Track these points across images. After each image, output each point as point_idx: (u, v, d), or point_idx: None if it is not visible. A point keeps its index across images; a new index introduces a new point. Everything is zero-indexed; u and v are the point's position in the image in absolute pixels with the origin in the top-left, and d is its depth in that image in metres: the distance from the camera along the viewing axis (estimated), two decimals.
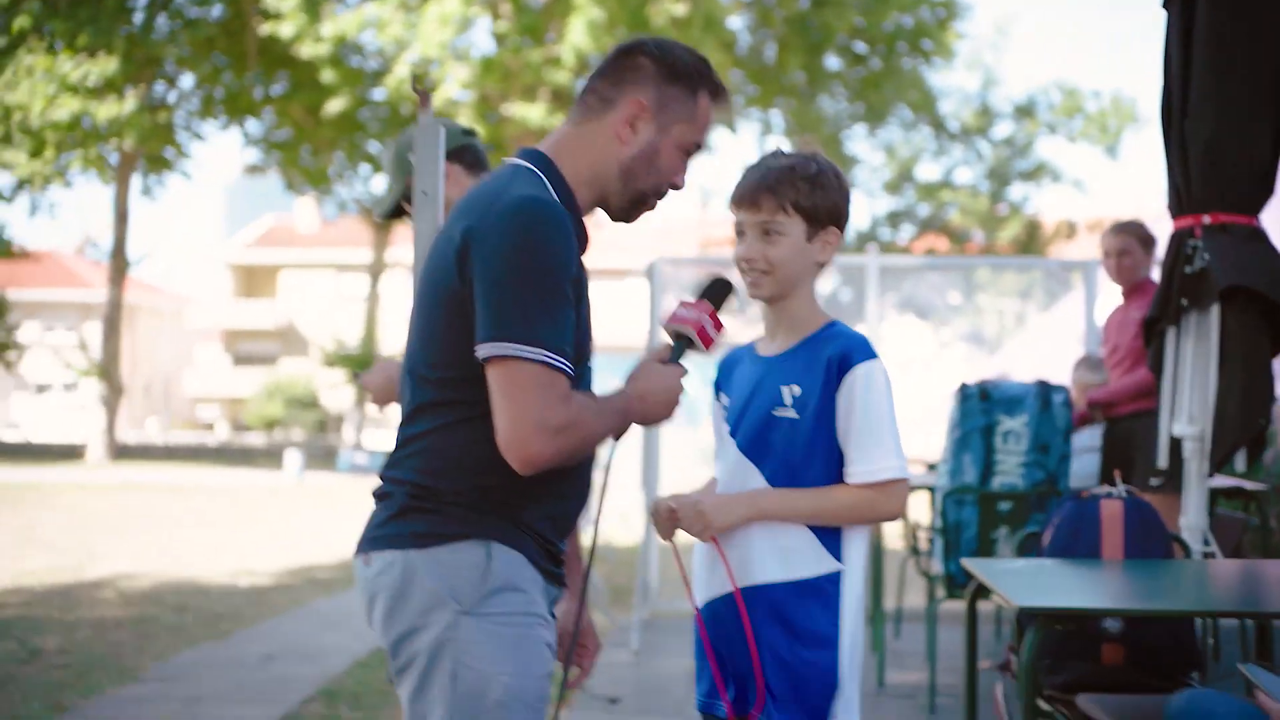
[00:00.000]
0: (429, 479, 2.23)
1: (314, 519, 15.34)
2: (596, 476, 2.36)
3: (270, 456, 32.10)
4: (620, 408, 2.26)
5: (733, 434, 2.57)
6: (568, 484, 2.30)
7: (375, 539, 2.26)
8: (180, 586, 9.27)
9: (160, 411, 47.03)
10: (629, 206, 2.36)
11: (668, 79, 2.33)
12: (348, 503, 17.86)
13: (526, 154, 2.34)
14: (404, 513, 2.24)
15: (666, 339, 2.40)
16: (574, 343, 2.22)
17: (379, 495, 2.30)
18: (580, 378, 2.27)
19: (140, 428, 44.64)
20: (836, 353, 2.48)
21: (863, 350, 2.48)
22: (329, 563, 10.92)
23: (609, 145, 2.32)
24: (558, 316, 2.15)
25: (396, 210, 3.35)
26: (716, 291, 2.42)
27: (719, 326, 2.38)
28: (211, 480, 22.71)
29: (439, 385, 2.24)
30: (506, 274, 2.14)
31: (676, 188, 2.37)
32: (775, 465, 2.50)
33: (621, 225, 2.42)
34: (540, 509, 2.26)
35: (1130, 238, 5.97)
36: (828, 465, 2.49)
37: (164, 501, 17.42)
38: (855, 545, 2.52)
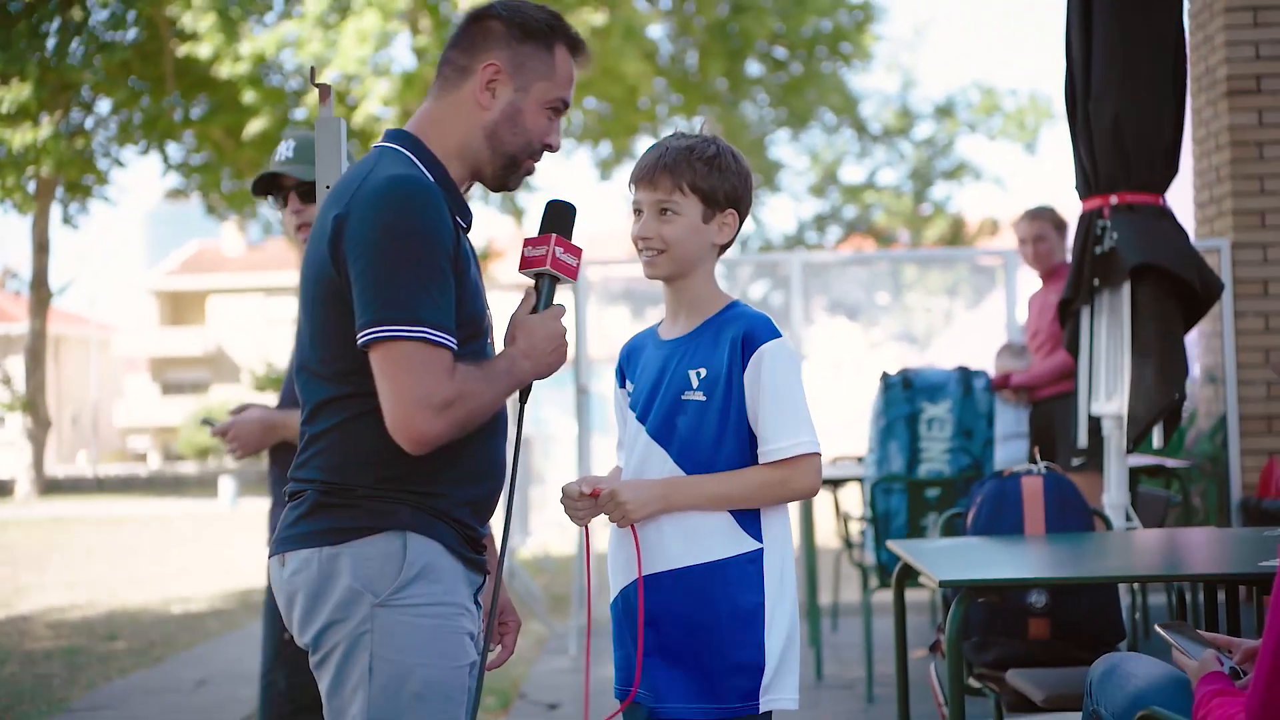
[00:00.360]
0: (337, 475, 2.21)
1: (248, 544, 15.15)
2: (508, 454, 2.33)
3: (204, 485, 31.68)
4: (506, 369, 2.23)
5: (640, 419, 2.56)
6: (479, 465, 2.27)
7: (288, 539, 2.24)
8: (111, 616, 9.12)
9: (89, 444, 46.28)
10: (503, 172, 2.33)
11: (520, 38, 2.30)
12: None
13: (392, 135, 2.32)
14: (315, 510, 2.22)
15: (530, 284, 2.34)
16: (465, 317, 2.20)
17: (290, 495, 2.27)
18: (479, 352, 2.25)
19: (70, 461, 43.91)
20: (740, 332, 2.49)
21: (766, 329, 2.49)
22: (263, 586, 10.77)
23: (471, 113, 2.30)
24: (435, 293, 2.13)
25: (261, 185, 3.44)
26: (558, 218, 2.35)
27: (573, 251, 2.33)
28: (143, 511, 22.36)
29: (333, 380, 2.22)
30: (378, 256, 2.12)
31: (551, 148, 2.35)
32: (685, 449, 2.50)
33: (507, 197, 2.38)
34: (455, 494, 2.24)
35: (1044, 223, 6.05)
36: (739, 445, 2.49)
37: (94, 534, 17.13)
38: (776, 523, 2.52)
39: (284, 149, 3.50)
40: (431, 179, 2.23)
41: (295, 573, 2.22)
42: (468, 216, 2.31)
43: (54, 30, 22.78)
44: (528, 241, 2.34)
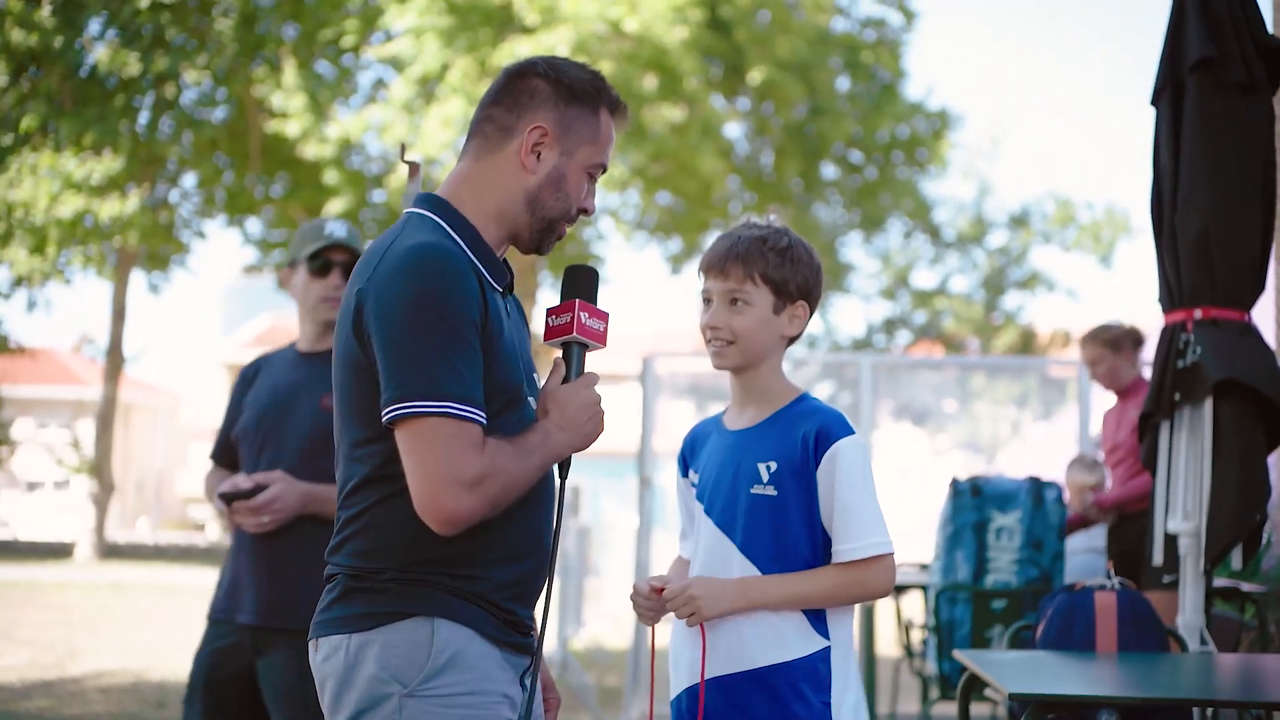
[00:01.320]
0: (368, 559, 2.15)
1: None
2: (546, 534, 2.24)
3: None
4: (540, 442, 2.15)
5: (707, 511, 2.52)
6: (517, 544, 2.19)
7: (321, 624, 2.18)
8: (162, 685, 9.10)
9: (151, 510, 46.71)
10: (539, 235, 2.27)
11: (567, 100, 2.24)
12: None
13: (422, 199, 2.27)
14: (346, 595, 2.16)
15: (559, 356, 2.28)
16: (496, 384, 2.13)
17: (326, 579, 2.22)
18: (515, 422, 2.17)
19: (131, 527, 44.29)
20: (814, 429, 2.45)
21: (841, 426, 2.45)
22: None
23: (514, 175, 2.23)
24: (459, 365, 2.06)
25: (315, 256, 3.53)
26: (579, 283, 2.27)
27: (599, 315, 2.25)
28: (199, 580, 22.43)
29: (365, 460, 2.16)
30: (400, 330, 2.06)
31: (586, 212, 2.29)
32: (752, 541, 2.45)
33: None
34: (492, 576, 2.16)
35: (1097, 346, 6.01)
36: (809, 541, 2.44)
37: (150, 601, 17.20)
38: (842, 620, 2.47)
39: (337, 227, 3.56)
40: (460, 244, 2.17)
41: (325, 659, 2.16)
42: (504, 278, 2.24)
43: (147, 106, 23.41)
44: (551, 311, 2.26)
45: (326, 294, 3.52)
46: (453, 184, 2.26)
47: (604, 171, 2.31)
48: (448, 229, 2.19)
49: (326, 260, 3.54)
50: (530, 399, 2.24)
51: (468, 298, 2.09)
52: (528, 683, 2.25)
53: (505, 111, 2.24)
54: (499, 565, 2.17)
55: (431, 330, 2.05)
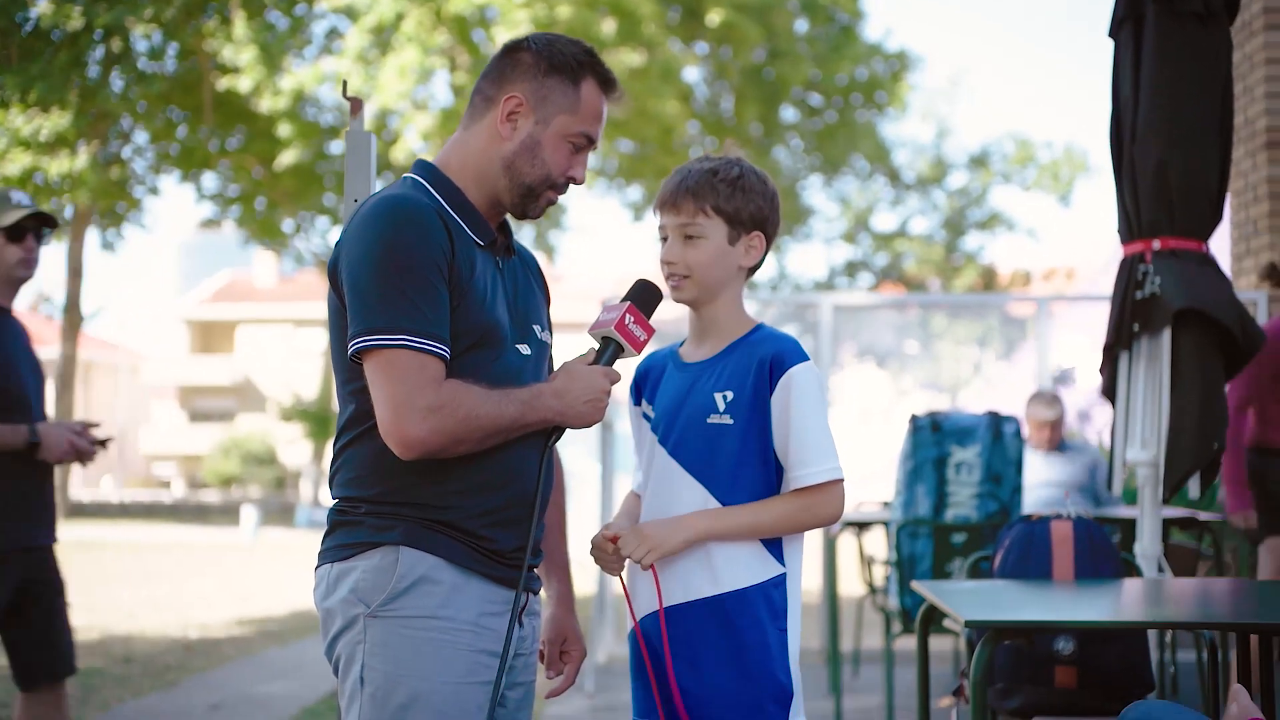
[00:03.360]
0: (349, 490, 2.28)
1: (268, 573, 15.12)
2: (522, 468, 2.29)
3: (227, 514, 31.69)
4: (526, 397, 2.23)
5: (662, 442, 2.50)
6: (490, 474, 2.25)
7: (319, 556, 2.32)
8: (128, 639, 9.08)
9: (115, 469, 46.47)
10: (521, 201, 2.35)
11: (547, 71, 2.33)
12: (303, 557, 17.61)
13: (415, 165, 2.39)
14: (332, 529, 2.31)
15: (593, 344, 2.36)
16: (468, 326, 2.22)
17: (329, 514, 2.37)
18: (486, 362, 2.25)
19: (95, 486, 44.07)
20: (769, 354, 2.43)
21: (795, 353, 2.44)
22: (281, 614, 10.73)
23: (491, 142, 2.34)
24: (422, 304, 2.16)
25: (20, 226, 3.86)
26: (643, 295, 2.38)
27: (646, 327, 2.35)
28: (165, 537, 22.38)
29: (348, 399, 2.29)
30: (365, 272, 2.18)
31: (574, 180, 2.38)
32: (708, 470, 2.44)
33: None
34: (463, 505, 2.24)
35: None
36: (763, 468, 2.43)
37: (115, 559, 17.12)
38: (796, 548, 2.48)
39: (23, 196, 3.94)
40: (438, 200, 2.28)
41: (315, 587, 2.32)
42: (487, 234, 2.33)
43: (96, 60, 23.03)
44: (635, 313, 2.35)
45: (24, 255, 3.96)
46: (444, 150, 2.39)
47: (592, 143, 2.37)
48: (427, 186, 2.31)
49: (21, 225, 3.93)
50: (520, 346, 2.32)
51: (429, 243, 2.19)
52: (523, 620, 2.33)
53: (490, 83, 2.35)
54: (470, 495, 2.24)
55: (392, 272, 2.16)
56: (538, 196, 2.35)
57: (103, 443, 4.06)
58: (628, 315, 2.32)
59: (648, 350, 2.50)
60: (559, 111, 2.32)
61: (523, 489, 2.29)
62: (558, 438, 2.31)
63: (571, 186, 2.38)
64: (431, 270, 2.17)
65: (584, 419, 2.28)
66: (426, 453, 2.16)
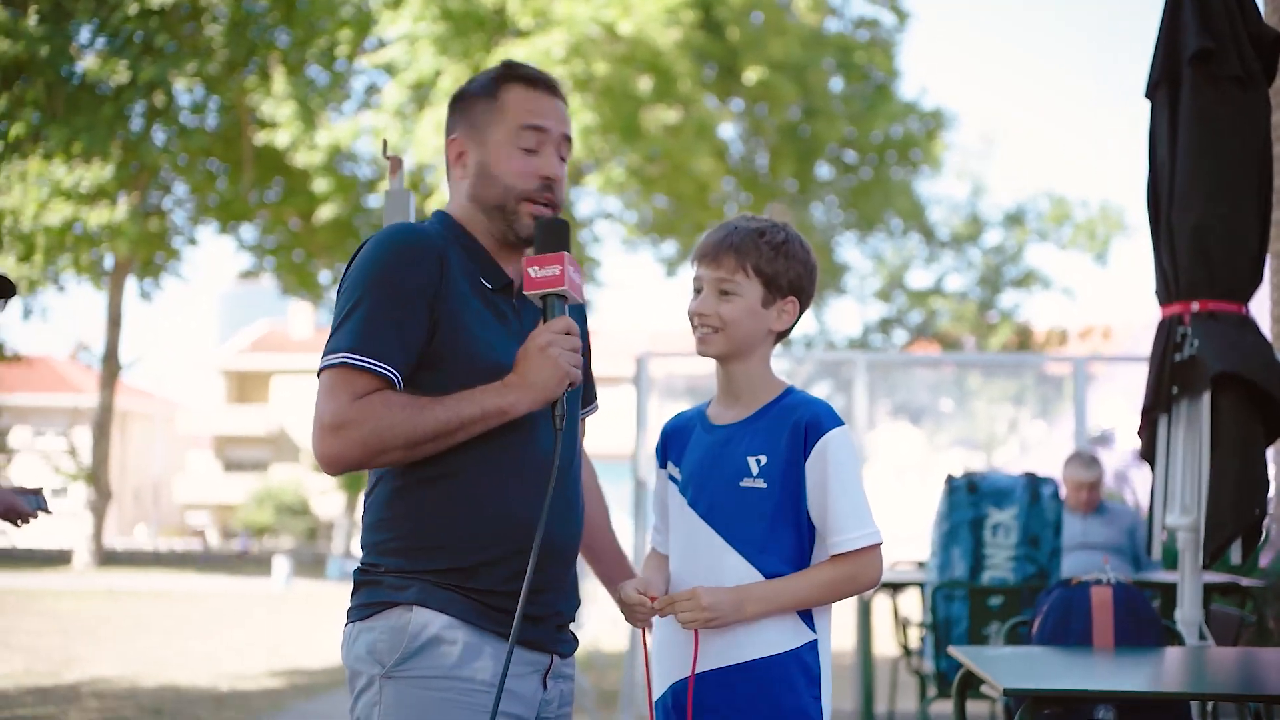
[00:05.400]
0: (367, 553, 2.31)
1: (299, 624, 15.10)
2: (527, 519, 2.22)
3: (259, 564, 31.75)
4: (462, 395, 2.18)
5: (692, 504, 2.48)
6: (491, 533, 2.22)
7: (346, 615, 2.33)
8: (159, 691, 9.06)
9: (149, 518, 46.66)
10: (505, 226, 2.35)
11: (470, 101, 2.39)
12: (334, 609, 17.59)
13: (434, 214, 2.44)
14: (357, 588, 2.32)
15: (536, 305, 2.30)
16: (460, 354, 2.21)
17: None
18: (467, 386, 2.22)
19: (129, 534, 44.24)
20: (805, 419, 2.41)
21: (830, 417, 2.42)
22: (312, 667, 10.71)
23: (459, 190, 2.39)
24: (378, 323, 2.18)
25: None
26: (556, 235, 2.27)
27: (553, 261, 2.24)
28: (197, 587, 22.41)
29: None
30: (341, 297, 2.24)
31: (548, 175, 2.34)
32: (742, 534, 2.41)
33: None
34: (471, 566, 2.22)
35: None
36: (796, 533, 2.41)
37: (148, 608, 17.15)
38: (826, 613, 2.46)
39: None
40: (444, 235, 2.31)
41: (341, 645, 2.33)
42: (499, 278, 2.34)
43: (138, 114, 23.36)
44: (531, 261, 2.25)
45: None
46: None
47: (544, 132, 2.34)
48: (442, 227, 2.34)
49: None
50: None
51: (413, 269, 2.22)
52: (549, 683, 2.32)
53: (446, 143, 2.42)
54: (478, 554, 2.23)
55: (364, 295, 2.20)
56: (512, 211, 2.33)
57: (43, 508, 3.92)
58: (530, 268, 2.23)
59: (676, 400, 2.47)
60: (489, 126, 2.35)
61: (519, 539, 2.23)
62: (562, 418, 2.20)
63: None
64: (403, 296, 2.20)
65: (544, 385, 2.20)
66: (344, 467, 2.19)
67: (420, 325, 2.20)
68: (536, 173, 2.34)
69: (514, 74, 2.39)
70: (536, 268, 2.24)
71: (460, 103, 2.40)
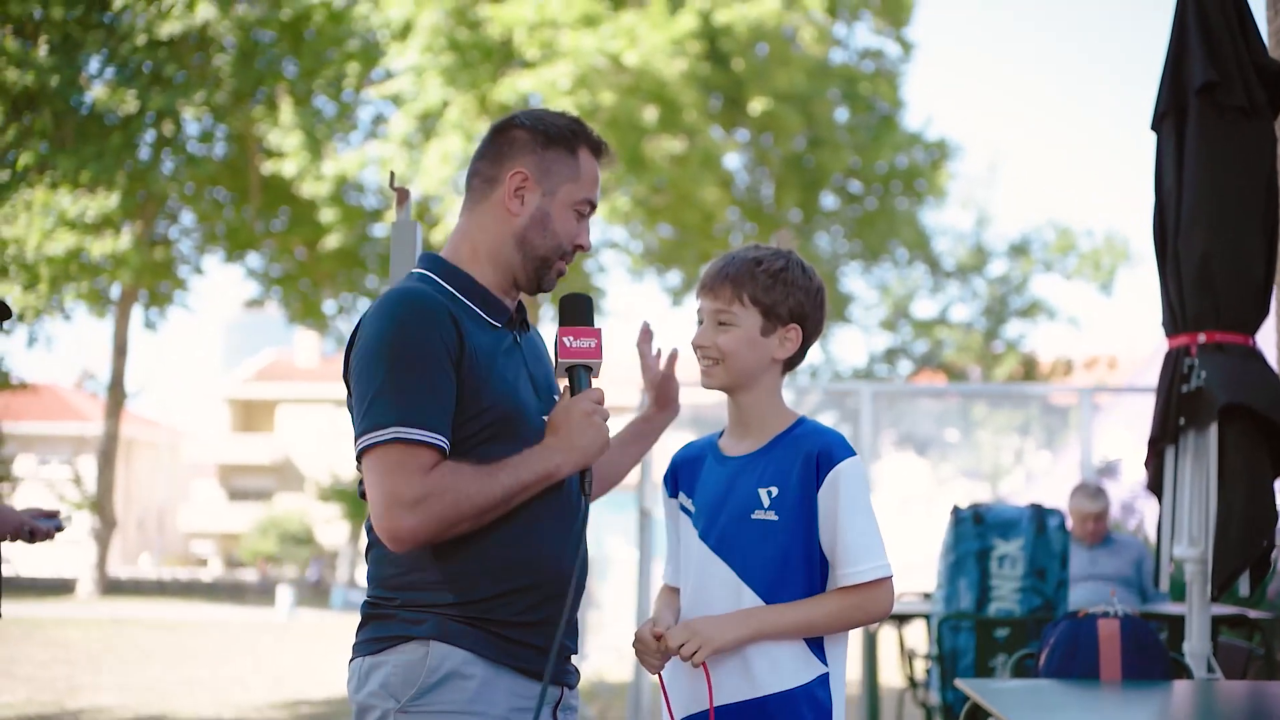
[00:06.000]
0: (376, 587, 2.29)
1: (302, 655, 15.06)
2: (551, 557, 2.28)
3: (263, 593, 31.68)
4: (517, 463, 2.22)
5: (703, 537, 2.47)
6: (512, 569, 2.24)
7: (352, 649, 2.33)
8: (163, 719, 9.04)
9: (154, 546, 46.60)
10: (535, 275, 2.37)
11: (544, 144, 2.36)
12: (338, 639, 17.54)
13: (420, 259, 2.40)
14: (365, 622, 2.31)
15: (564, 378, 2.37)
16: (484, 407, 2.23)
17: None
18: (509, 450, 2.24)
19: (133, 563, 44.17)
20: (817, 450, 2.41)
21: (842, 447, 2.42)
22: (315, 698, 10.67)
23: (501, 220, 2.36)
24: (416, 392, 2.17)
25: None
26: (568, 311, 2.36)
27: (588, 334, 2.34)
28: (201, 616, 22.37)
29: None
30: (365, 369, 2.21)
31: (582, 248, 2.40)
32: (752, 567, 2.40)
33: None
34: (488, 601, 2.22)
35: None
36: (808, 564, 2.40)
37: (151, 637, 17.11)
38: (839, 646, 2.44)
39: None
40: (441, 290, 2.29)
41: (348, 681, 2.31)
42: (503, 314, 2.35)
43: (147, 143, 23.45)
44: (567, 331, 2.33)
45: None
46: (450, 239, 2.41)
47: (593, 209, 2.41)
48: (435, 278, 2.33)
49: None
50: (546, 419, 2.34)
51: (432, 335, 2.21)
52: (559, 715, 2.32)
53: (489, 164, 2.38)
54: (489, 587, 2.23)
55: (392, 364, 2.19)
56: (550, 267, 2.38)
57: (60, 528, 3.92)
58: (566, 338, 2.32)
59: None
60: (563, 181, 2.36)
61: (550, 580, 2.28)
62: (589, 484, 2.29)
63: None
64: (432, 363, 2.19)
65: (586, 450, 2.27)
66: (418, 543, 2.18)
67: (451, 386, 2.21)
68: (578, 240, 2.39)
69: (590, 139, 2.41)
70: (572, 338, 2.33)
71: (532, 138, 2.37)
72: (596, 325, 2.36)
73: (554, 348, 2.34)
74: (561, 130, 2.38)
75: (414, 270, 2.38)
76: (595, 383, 2.34)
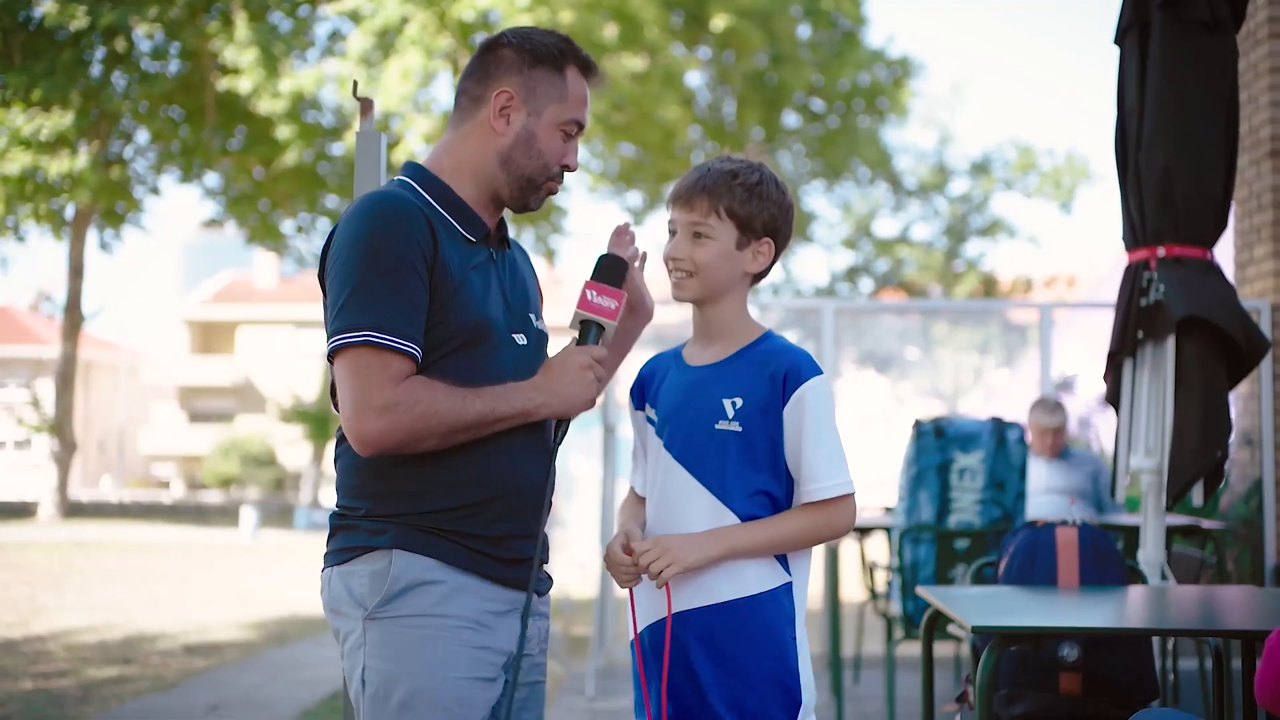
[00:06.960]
0: (343, 496, 2.31)
1: (267, 575, 15.11)
2: (514, 468, 2.30)
3: (226, 515, 31.66)
4: (498, 392, 2.24)
5: (667, 446, 2.49)
6: (470, 472, 2.25)
7: (323, 560, 2.35)
8: (127, 641, 9.07)
9: (114, 469, 46.44)
10: (520, 194, 2.37)
11: (531, 63, 2.36)
12: (302, 559, 17.60)
13: (404, 167, 2.40)
14: (333, 533, 2.33)
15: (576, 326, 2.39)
16: (458, 323, 2.23)
17: None
18: (478, 359, 2.26)
19: (94, 485, 44.03)
20: (784, 366, 2.42)
21: (810, 365, 2.44)
22: (280, 615, 10.72)
23: (486, 139, 2.35)
24: (392, 301, 2.18)
25: None
26: (603, 268, 2.39)
27: (613, 294, 2.38)
28: (164, 538, 22.36)
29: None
30: (340, 269, 2.21)
31: (568, 168, 2.40)
32: (715, 476, 2.43)
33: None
34: (450, 508, 2.24)
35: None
36: (773, 477, 2.43)
37: (115, 559, 17.11)
38: (803, 556, 2.48)
39: None
40: (419, 198, 2.29)
41: (320, 591, 2.35)
42: (479, 229, 2.34)
43: (98, 60, 23.00)
44: (592, 285, 2.36)
45: None
46: (433, 153, 2.40)
47: (581, 129, 2.40)
48: (415, 186, 2.32)
49: None
50: (516, 336, 2.34)
51: (408, 240, 2.20)
52: (529, 622, 2.33)
53: (475, 83, 2.37)
54: (459, 495, 2.25)
55: (367, 267, 2.18)
56: (538, 187, 2.38)
57: None
58: (589, 291, 2.35)
59: (643, 341, 2.50)
60: (549, 101, 2.35)
61: (517, 486, 2.29)
62: (563, 433, 2.33)
63: (568, 178, 2.42)
64: (407, 268, 2.19)
65: (570, 401, 2.30)
66: (383, 449, 2.19)
67: (424, 292, 2.21)
68: (565, 160, 2.39)
69: (579, 58, 2.39)
70: (594, 293, 2.35)
71: (519, 57, 2.36)
72: (623, 290, 2.38)
73: (610, 304, 2.36)
74: (549, 49, 2.36)
75: (395, 177, 2.38)
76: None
